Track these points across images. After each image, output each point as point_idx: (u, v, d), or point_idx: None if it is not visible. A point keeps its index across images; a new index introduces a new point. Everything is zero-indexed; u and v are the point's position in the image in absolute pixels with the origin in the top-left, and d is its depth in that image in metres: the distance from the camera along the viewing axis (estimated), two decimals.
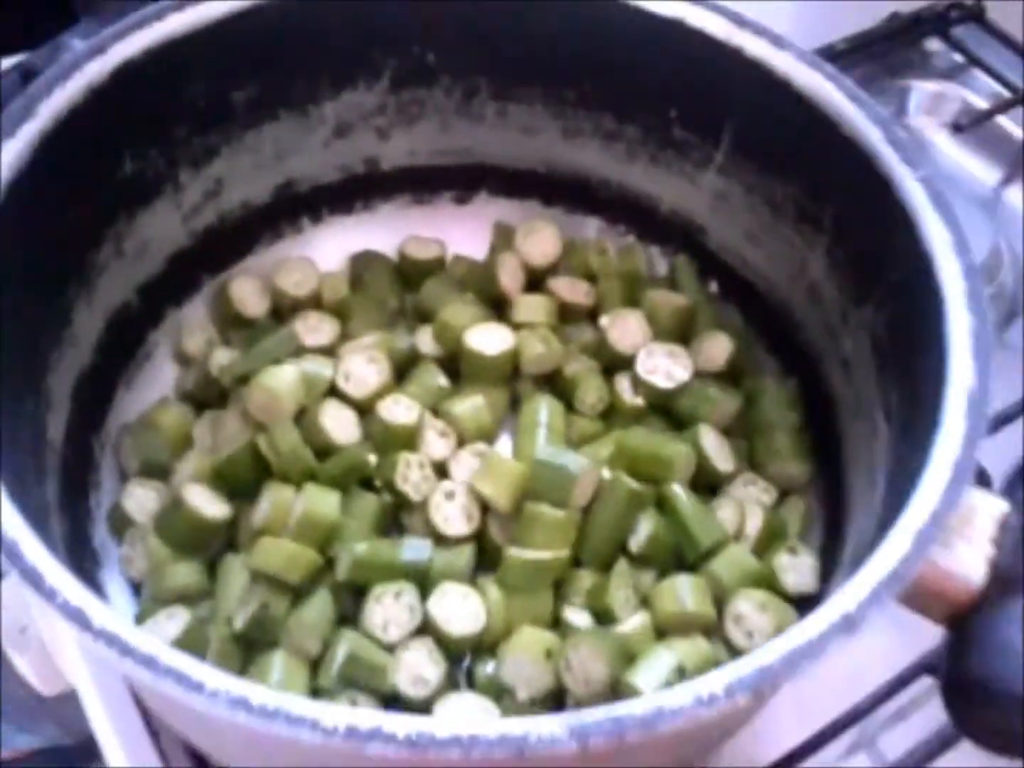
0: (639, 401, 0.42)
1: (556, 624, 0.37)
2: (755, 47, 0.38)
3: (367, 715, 0.23)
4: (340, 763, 0.25)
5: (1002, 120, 0.62)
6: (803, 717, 0.41)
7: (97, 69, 0.35)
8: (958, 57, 0.64)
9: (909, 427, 0.33)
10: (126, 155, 0.38)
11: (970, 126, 0.60)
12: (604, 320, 0.43)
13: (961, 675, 0.28)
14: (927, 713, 0.42)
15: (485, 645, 0.36)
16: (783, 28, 0.71)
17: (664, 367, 0.42)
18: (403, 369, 0.43)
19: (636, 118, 0.43)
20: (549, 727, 0.23)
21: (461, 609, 0.36)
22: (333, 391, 0.41)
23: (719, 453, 0.41)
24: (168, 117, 0.39)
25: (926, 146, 0.64)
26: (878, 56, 0.65)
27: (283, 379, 0.39)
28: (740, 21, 0.38)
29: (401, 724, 0.23)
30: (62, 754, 0.88)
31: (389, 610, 0.36)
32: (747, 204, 0.42)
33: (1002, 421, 0.48)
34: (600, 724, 0.23)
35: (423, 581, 0.37)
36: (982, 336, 0.31)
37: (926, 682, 0.42)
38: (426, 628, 0.36)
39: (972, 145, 0.63)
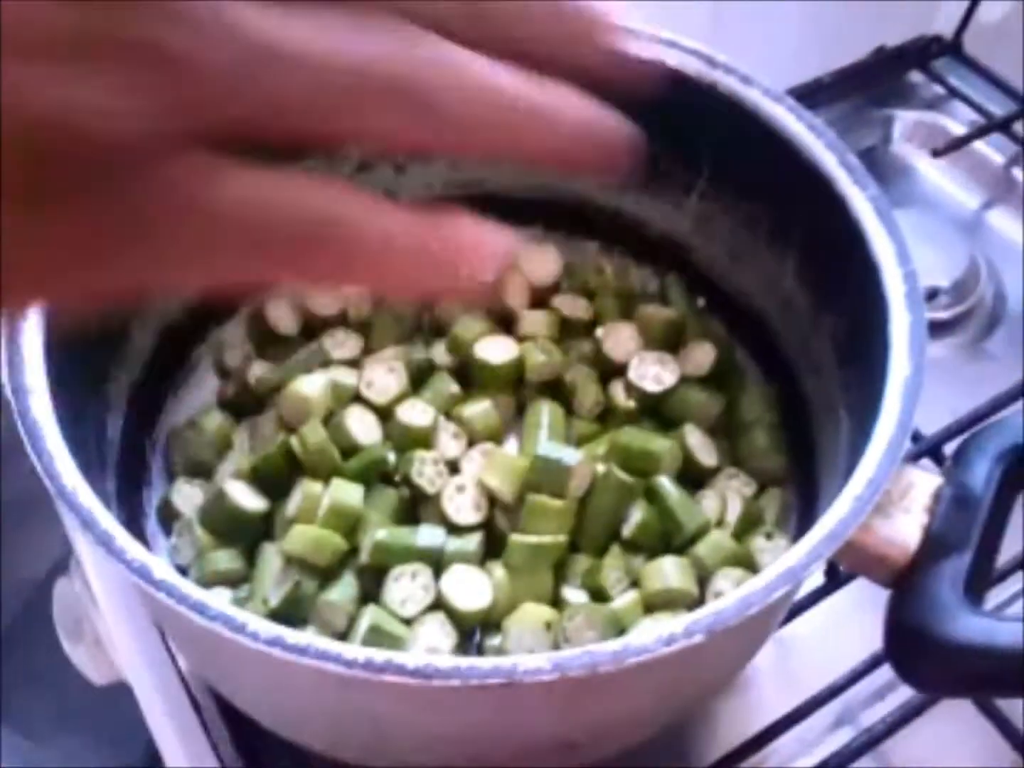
0: (631, 404, 0.46)
1: (556, 602, 0.41)
2: (726, 84, 0.42)
3: (381, 652, 0.28)
4: (356, 697, 0.29)
5: (984, 148, 0.67)
6: (788, 694, 0.45)
7: None
8: (938, 88, 0.69)
9: (861, 417, 0.37)
10: None
11: (946, 151, 0.64)
12: (600, 331, 0.48)
13: (898, 626, 0.32)
14: (905, 691, 0.45)
15: (492, 620, 0.40)
16: (779, 62, 0.76)
17: (654, 373, 0.46)
18: (419, 378, 0.47)
19: None
20: (535, 661, 0.28)
21: (470, 588, 0.40)
22: (357, 398, 0.45)
23: (703, 449, 0.45)
24: None
25: (910, 171, 0.68)
26: (864, 88, 0.70)
27: (313, 387, 0.44)
28: (712, 61, 0.43)
29: (410, 658, 0.28)
30: None
31: (406, 588, 0.40)
32: (727, 226, 0.47)
33: (978, 419, 0.52)
34: (577, 658, 0.28)
35: (437, 564, 0.41)
36: (918, 332, 0.35)
37: None
38: (439, 604, 0.40)
39: (954, 171, 0.67)
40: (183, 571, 0.43)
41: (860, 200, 0.39)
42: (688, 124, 0.45)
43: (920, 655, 0.31)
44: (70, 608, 0.56)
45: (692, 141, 0.46)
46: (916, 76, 0.70)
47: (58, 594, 0.57)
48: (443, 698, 0.30)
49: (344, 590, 0.40)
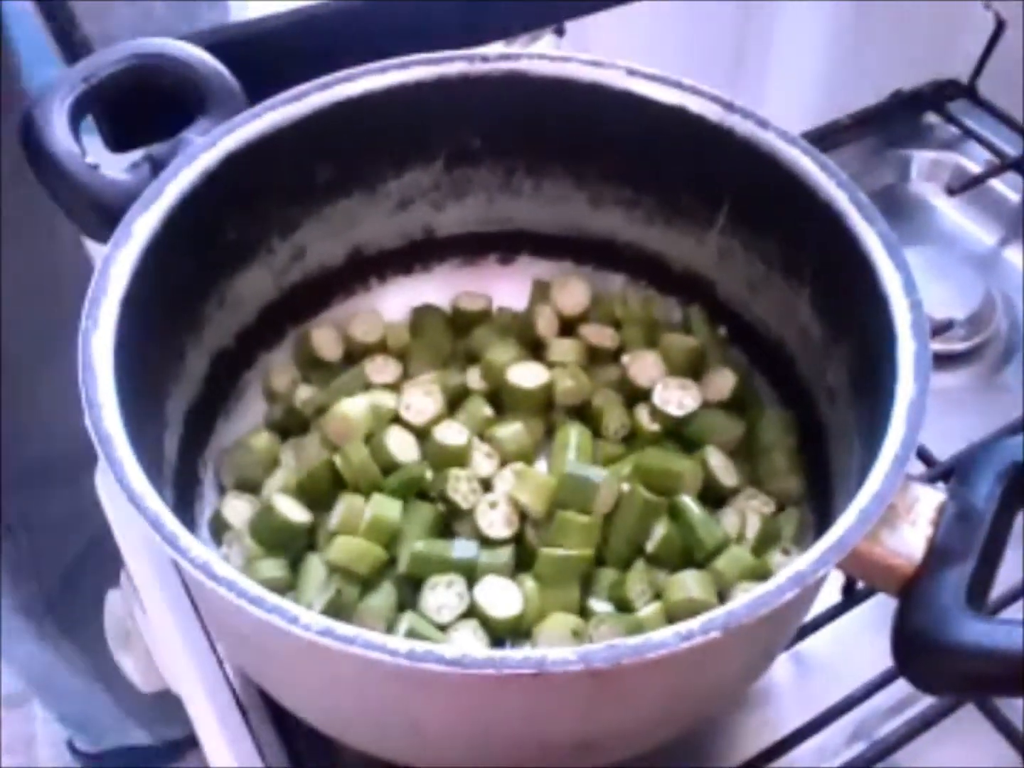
0: (656, 427, 0.49)
1: (583, 612, 0.44)
2: (744, 128, 0.45)
3: (422, 643, 0.31)
4: (397, 690, 0.32)
5: (999, 187, 0.69)
6: (805, 709, 0.47)
7: (210, 158, 0.44)
8: (954, 129, 0.72)
9: (871, 438, 0.39)
10: (230, 225, 0.46)
11: (961, 190, 0.66)
12: (626, 359, 0.51)
13: (904, 631, 0.34)
14: (920, 706, 0.47)
15: (522, 628, 0.43)
16: (801, 105, 0.80)
17: (677, 398, 0.49)
18: (455, 401, 0.50)
19: (651, 189, 0.51)
20: (563, 653, 0.30)
21: (502, 597, 0.43)
22: (396, 419, 0.48)
23: (724, 470, 0.47)
24: (263, 195, 0.47)
25: (927, 209, 0.71)
26: (882, 129, 0.73)
27: (355, 408, 0.47)
28: (731, 106, 0.46)
29: (448, 649, 0.30)
30: (140, 753, 0.97)
31: (441, 597, 0.43)
32: (746, 260, 0.49)
33: None
34: (602, 651, 0.30)
35: (470, 574, 0.44)
36: (922, 357, 0.37)
37: None
38: (473, 612, 0.43)
39: (970, 208, 0.70)
40: None
41: (870, 235, 0.41)
42: (709, 165, 0.48)
43: (925, 658, 0.33)
44: (120, 620, 0.59)
45: (713, 180, 0.49)
46: (932, 118, 0.73)
47: (109, 606, 0.61)
48: (477, 689, 0.32)
49: (383, 598, 0.43)
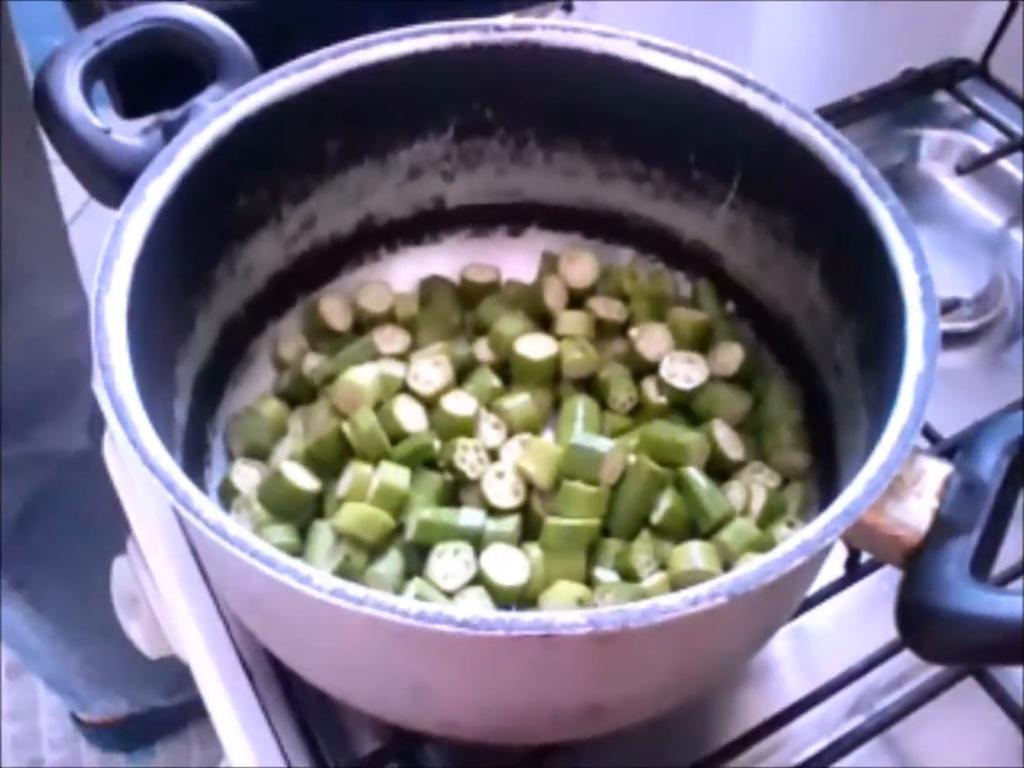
0: (662, 400, 0.49)
1: (588, 582, 0.44)
2: (756, 101, 0.45)
3: (433, 605, 0.31)
4: (406, 651, 0.32)
5: (1009, 167, 0.69)
6: (807, 682, 0.47)
7: (223, 123, 0.44)
8: (964, 108, 0.71)
9: (879, 413, 0.39)
10: (241, 192, 0.46)
11: (970, 169, 0.66)
12: (634, 332, 0.51)
13: (909, 602, 0.34)
14: (919, 680, 0.48)
15: (528, 596, 0.43)
16: (812, 82, 0.79)
17: (684, 372, 0.49)
18: (463, 372, 0.50)
19: (661, 162, 0.51)
20: (572, 616, 0.31)
21: (509, 565, 0.43)
22: (405, 389, 0.49)
23: (730, 444, 0.47)
24: (274, 162, 0.47)
25: (935, 188, 0.71)
26: (892, 107, 0.72)
27: (364, 377, 0.47)
28: (743, 80, 0.46)
29: (458, 610, 0.31)
30: (148, 719, 0.98)
31: (448, 564, 0.43)
32: (755, 235, 0.49)
33: None
34: (610, 615, 0.31)
35: (477, 543, 0.44)
36: (932, 331, 0.37)
37: None
38: (479, 580, 0.43)
39: (979, 188, 0.70)
40: None
41: (880, 209, 0.41)
42: (719, 138, 0.48)
43: (928, 627, 0.33)
44: (127, 586, 0.60)
45: (723, 154, 0.49)
46: (943, 97, 0.72)
47: (116, 573, 0.61)
48: (486, 651, 0.32)
49: (390, 564, 0.43)
